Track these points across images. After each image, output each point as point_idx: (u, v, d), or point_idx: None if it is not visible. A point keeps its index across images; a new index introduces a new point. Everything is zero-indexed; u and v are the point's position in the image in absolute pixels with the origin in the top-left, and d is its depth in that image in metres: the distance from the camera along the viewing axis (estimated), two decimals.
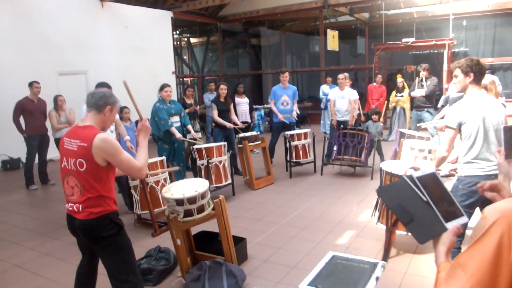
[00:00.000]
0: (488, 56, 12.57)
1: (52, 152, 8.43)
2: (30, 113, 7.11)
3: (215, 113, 6.91)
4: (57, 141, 7.08)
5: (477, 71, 3.00)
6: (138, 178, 2.67)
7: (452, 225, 1.36)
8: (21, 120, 7.15)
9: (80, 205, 2.48)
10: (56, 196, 6.73)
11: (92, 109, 2.55)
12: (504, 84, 10.53)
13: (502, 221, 1.12)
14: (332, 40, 12.96)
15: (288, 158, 7.16)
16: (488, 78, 3.70)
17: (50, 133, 7.41)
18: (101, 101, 2.53)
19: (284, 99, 7.68)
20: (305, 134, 7.15)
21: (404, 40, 11.69)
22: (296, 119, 7.97)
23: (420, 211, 1.41)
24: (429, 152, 5.02)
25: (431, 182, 1.47)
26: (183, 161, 6.43)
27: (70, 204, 2.55)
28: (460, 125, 3.01)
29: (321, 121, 10.86)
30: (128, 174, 2.62)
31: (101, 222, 2.49)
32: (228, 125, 6.87)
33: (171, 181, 5.12)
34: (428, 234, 1.42)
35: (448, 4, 11.50)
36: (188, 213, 3.42)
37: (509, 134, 1.75)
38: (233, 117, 7.26)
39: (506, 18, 12.63)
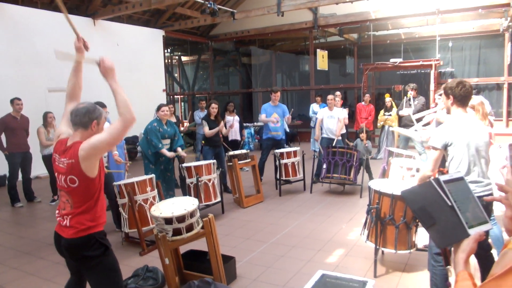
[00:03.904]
0: (474, 76, 12.81)
1: (39, 169, 8.33)
2: (13, 131, 6.97)
3: (206, 129, 6.91)
4: (45, 158, 6.99)
5: (456, 94, 2.96)
6: (130, 124, 2.41)
7: (474, 232, 1.33)
8: (2, 137, 7.00)
9: (69, 218, 2.46)
10: (42, 214, 6.61)
11: (78, 127, 2.51)
12: (490, 103, 10.67)
13: None
14: (322, 60, 13.14)
15: (278, 176, 7.17)
16: (477, 99, 3.71)
17: (33, 150, 7.27)
18: (85, 117, 2.50)
19: (274, 117, 7.74)
20: (295, 152, 7.18)
21: (392, 60, 11.90)
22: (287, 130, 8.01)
23: (444, 215, 1.38)
24: (417, 170, 5.07)
25: (459, 187, 1.43)
26: (171, 187, 6.32)
27: (60, 218, 2.53)
28: (446, 146, 2.98)
29: (311, 139, 10.92)
30: (122, 134, 2.43)
31: (87, 242, 2.46)
32: (225, 130, 7.00)
33: (160, 199, 5.09)
34: (449, 239, 1.39)
35: (435, 26, 11.76)
36: (176, 232, 3.40)
37: None
38: (223, 131, 7.26)
39: (491, 39, 12.93)
